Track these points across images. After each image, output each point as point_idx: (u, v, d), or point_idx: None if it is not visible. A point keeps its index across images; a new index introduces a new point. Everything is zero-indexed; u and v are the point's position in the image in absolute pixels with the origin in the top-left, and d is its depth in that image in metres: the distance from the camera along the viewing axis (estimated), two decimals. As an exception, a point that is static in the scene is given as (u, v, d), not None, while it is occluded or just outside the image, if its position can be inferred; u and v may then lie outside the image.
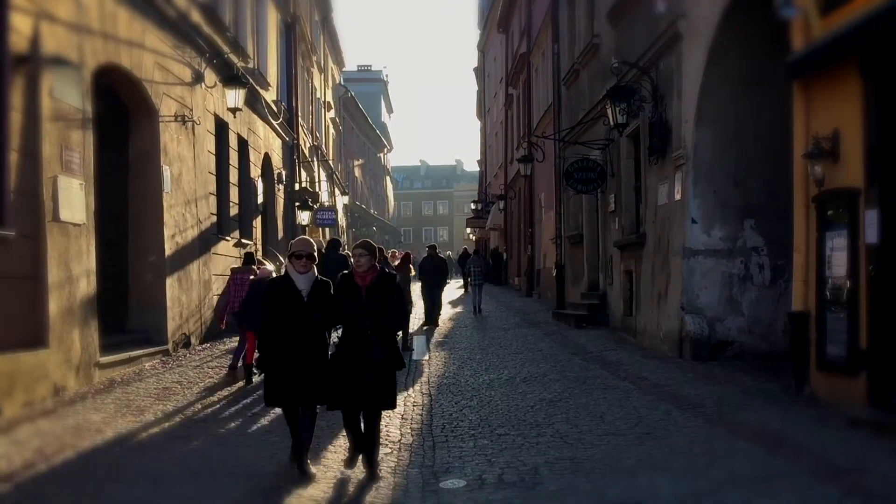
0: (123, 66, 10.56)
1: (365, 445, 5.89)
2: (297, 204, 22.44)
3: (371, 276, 5.83)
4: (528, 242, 26.56)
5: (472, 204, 45.17)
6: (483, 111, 43.32)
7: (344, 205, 37.25)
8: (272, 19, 20.53)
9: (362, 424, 5.92)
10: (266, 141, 19.26)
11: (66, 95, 8.88)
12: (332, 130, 36.75)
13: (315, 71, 29.60)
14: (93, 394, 8.72)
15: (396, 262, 15.05)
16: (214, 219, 14.33)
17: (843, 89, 7.04)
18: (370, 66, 65.95)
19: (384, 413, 6.28)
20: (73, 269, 8.92)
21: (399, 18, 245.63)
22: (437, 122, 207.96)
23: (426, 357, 12.28)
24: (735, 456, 5.95)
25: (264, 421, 7.75)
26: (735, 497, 5.05)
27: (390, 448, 6.81)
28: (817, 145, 7.25)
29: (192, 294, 12.83)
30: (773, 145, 9.62)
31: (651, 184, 12.16)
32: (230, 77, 13.98)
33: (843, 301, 7.06)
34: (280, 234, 20.74)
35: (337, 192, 34.74)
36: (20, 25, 8.02)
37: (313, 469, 5.96)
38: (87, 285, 9.22)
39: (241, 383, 9.74)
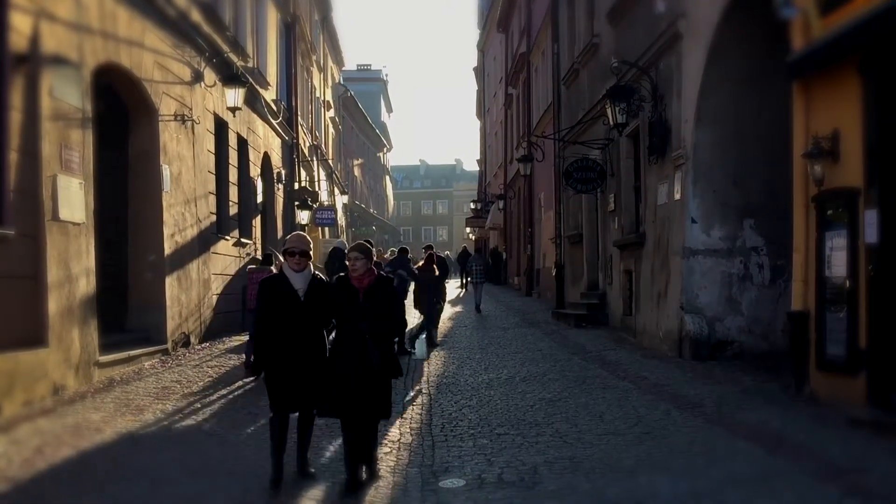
0: (123, 66, 10.56)
1: (360, 457, 5.62)
2: (296, 203, 22.44)
3: (368, 278, 5.63)
4: (527, 242, 26.56)
5: (471, 203, 45.19)
6: (483, 111, 43.32)
7: (343, 204, 37.26)
8: (272, 18, 20.53)
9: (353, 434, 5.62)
10: (265, 140, 19.26)
11: (65, 94, 8.88)
12: (331, 130, 36.75)
13: (315, 70, 29.60)
14: (92, 393, 8.72)
15: (419, 264, 14.90)
16: (214, 218, 14.33)
17: (843, 89, 7.04)
18: (370, 65, 66.04)
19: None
20: (73, 269, 8.91)
21: (399, 18, 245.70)
22: (437, 122, 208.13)
23: (427, 358, 12.28)
24: (734, 456, 5.95)
25: (264, 420, 7.72)
26: (735, 497, 5.05)
27: (390, 447, 6.81)
28: (817, 145, 7.25)
29: (191, 293, 12.83)
30: (772, 145, 9.63)
31: (651, 183, 12.16)
32: (230, 76, 13.98)
33: (842, 301, 7.07)
34: (279, 234, 20.74)
35: (336, 191, 34.74)
36: (20, 24, 8.02)
37: (312, 469, 5.88)
38: (86, 284, 9.22)
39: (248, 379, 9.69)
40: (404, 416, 8.01)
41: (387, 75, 68.61)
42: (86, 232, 9.28)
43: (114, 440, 6.87)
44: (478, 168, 49.71)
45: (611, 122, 12.55)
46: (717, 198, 10.43)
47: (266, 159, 19.36)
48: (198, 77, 13.34)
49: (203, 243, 13.57)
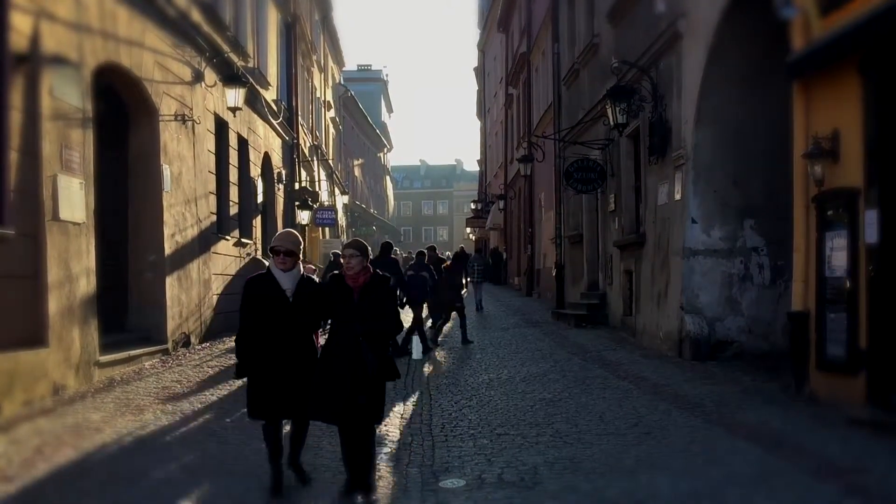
0: (123, 66, 10.56)
1: (359, 463, 5.36)
2: (296, 203, 22.45)
3: (363, 277, 5.35)
4: (527, 242, 26.56)
5: (471, 204, 45.19)
6: (483, 111, 43.32)
7: (344, 204, 37.27)
8: (272, 18, 20.53)
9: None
10: (266, 140, 19.26)
11: (65, 94, 8.88)
12: (331, 130, 36.76)
13: (315, 70, 29.60)
14: (92, 393, 8.72)
15: (446, 264, 15.05)
16: (214, 218, 14.33)
17: (843, 89, 7.05)
18: (370, 65, 66.04)
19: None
20: (73, 268, 8.91)
21: (399, 18, 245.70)
22: (437, 122, 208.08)
23: (426, 357, 12.29)
24: (734, 455, 5.95)
25: (263, 421, 7.73)
26: (734, 496, 5.05)
27: (390, 448, 6.81)
28: (817, 145, 7.25)
29: (191, 293, 12.83)
30: (772, 145, 9.63)
31: (651, 184, 12.16)
32: (230, 76, 13.98)
33: (842, 301, 7.07)
34: (279, 232, 20.73)
35: (337, 191, 34.75)
36: (20, 24, 8.02)
37: (306, 470, 5.74)
38: (86, 284, 9.22)
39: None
40: (404, 416, 8.01)
41: (387, 75, 68.66)
42: (86, 232, 9.28)
43: (114, 440, 6.87)
44: (478, 168, 49.71)
45: (611, 123, 12.56)
46: (717, 198, 10.43)
47: (266, 159, 19.36)
48: (198, 77, 13.34)
49: (203, 243, 13.57)
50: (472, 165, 67.24)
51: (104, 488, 5.60)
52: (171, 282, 11.86)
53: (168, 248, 11.78)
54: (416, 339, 12.61)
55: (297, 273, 5.51)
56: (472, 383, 9.91)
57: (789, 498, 4.91)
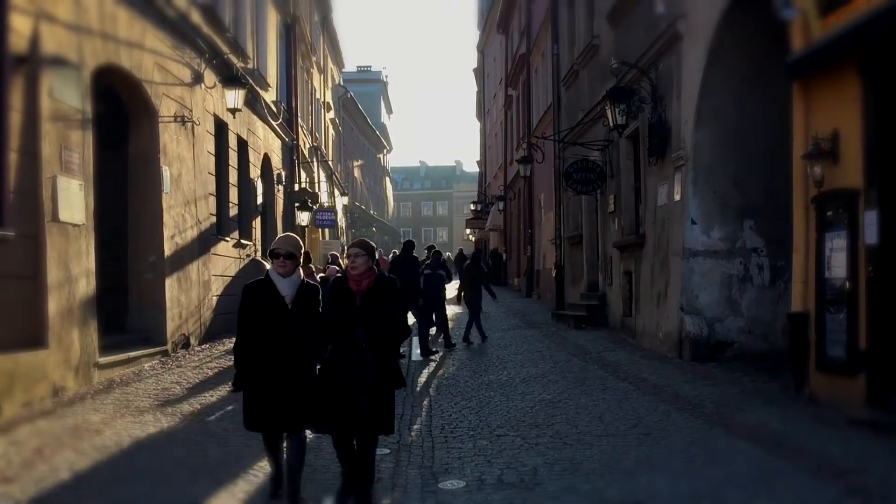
0: (123, 67, 10.56)
1: (358, 476, 5.14)
2: (296, 204, 22.45)
3: (368, 280, 5.08)
4: (527, 243, 26.55)
5: (471, 205, 45.20)
6: (483, 112, 43.33)
7: (343, 205, 37.28)
8: (272, 20, 20.54)
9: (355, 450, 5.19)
10: (265, 141, 19.26)
11: (65, 96, 8.88)
12: (331, 131, 36.77)
13: (315, 71, 29.61)
14: (92, 394, 8.71)
15: (466, 263, 15.19)
16: (214, 219, 14.33)
17: (843, 90, 7.05)
18: (370, 66, 66.05)
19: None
20: (73, 270, 8.91)
21: (399, 19, 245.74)
22: (437, 123, 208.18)
23: (425, 357, 12.29)
24: (734, 456, 5.95)
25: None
26: (734, 497, 5.05)
27: (389, 449, 6.81)
28: (817, 146, 7.25)
29: (191, 294, 12.82)
30: (772, 146, 9.63)
31: (650, 184, 12.16)
32: (230, 78, 13.98)
33: (842, 302, 7.07)
34: (279, 235, 20.75)
35: (336, 192, 34.75)
36: (20, 26, 8.02)
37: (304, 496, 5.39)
38: (86, 285, 9.21)
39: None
40: (404, 417, 8.01)
41: (387, 77, 68.75)
42: (86, 233, 9.27)
43: (114, 441, 6.87)
44: (478, 169, 49.73)
45: (611, 124, 12.55)
46: (716, 199, 10.43)
47: (266, 160, 19.37)
48: (198, 78, 13.35)
49: (203, 244, 13.57)
50: (471, 166, 67.35)
51: (104, 489, 5.59)
52: (170, 283, 11.85)
53: (168, 250, 11.78)
54: (415, 340, 12.63)
55: (296, 279, 5.28)
56: (471, 384, 9.91)
57: (789, 498, 4.91)
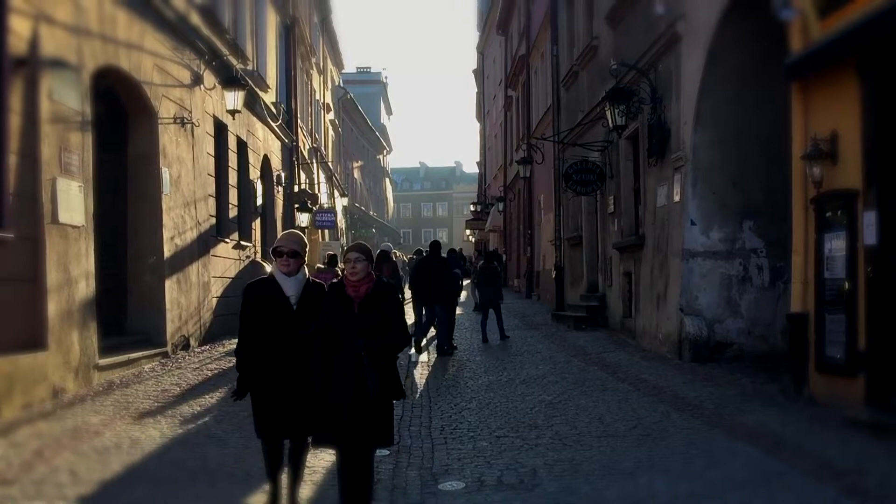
0: (122, 68, 10.56)
1: (356, 492, 4.86)
2: (296, 206, 22.45)
3: (366, 285, 4.82)
4: (527, 244, 26.55)
5: (471, 206, 45.19)
6: (482, 113, 43.34)
7: (343, 206, 37.28)
8: (271, 21, 20.54)
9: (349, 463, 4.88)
10: (265, 143, 19.27)
11: (64, 97, 8.88)
12: (331, 132, 36.77)
13: (314, 73, 29.62)
14: (92, 396, 8.71)
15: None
16: (213, 221, 14.33)
17: (842, 91, 7.05)
18: (369, 67, 66.07)
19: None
20: (72, 271, 8.91)
21: (398, 20, 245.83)
22: (437, 124, 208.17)
23: (426, 359, 12.30)
24: (734, 457, 5.95)
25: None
26: (734, 498, 5.05)
27: (389, 450, 6.80)
28: (816, 146, 7.25)
29: (191, 296, 12.82)
30: (771, 147, 9.64)
31: (650, 185, 12.16)
32: (229, 79, 13.99)
33: (841, 302, 7.07)
34: (282, 232, 20.73)
35: (336, 193, 34.74)
36: (19, 27, 8.02)
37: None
38: (85, 287, 9.21)
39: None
40: (403, 418, 8.01)
41: (386, 77, 68.73)
42: (85, 235, 9.28)
43: (113, 443, 6.87)
44: (477, 170, 49.74)
45: (610, 124, 12.56)
46: (716, 199, 10.43)
47: (266, 162, 19.37)
48: (197, 80, 13.35)
49: (203, 246, 13.57)
50: (471, 167, 67.45)
51: (104, 490, 5.59)
52: (170, 284, 11.86)
53: (167, 251, 11.78)
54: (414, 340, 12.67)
55: (301, 278, 5.07)
56: (471, 385, 9.91)
57: (789, 499, 4.91)
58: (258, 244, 18.19)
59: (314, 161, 27.84)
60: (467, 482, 5.81)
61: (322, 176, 29.73)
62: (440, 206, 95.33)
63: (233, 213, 15.95)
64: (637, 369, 10.15)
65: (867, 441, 6.03)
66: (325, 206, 28.58)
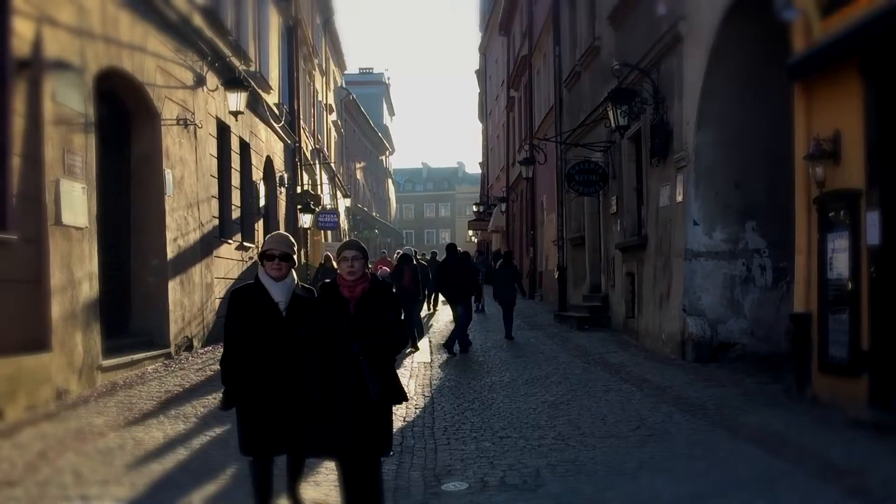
0: (125, 70, 10.58)
1: (363, 500, 4.55)
2: (298, 206, 22.47)
3: (362, 285, 4.53)
4: (529, 244, 26.56)
5: (473, 206, 45.15)
6: (485, 113, 43.35)
7: (346, 207, 37.27)
8: (274, 22, 20.57)
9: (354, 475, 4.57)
10: (268, 144, 19.29)
11: (67, 99, 8.90)
12: (333, 133, 36.79)
13: (317, 74, 29.64)
14: (95, 397, 8.73)
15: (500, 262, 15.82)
16: (216, 222, 14.35)
17: (844, 91, 7.05)
18: (372, 68, 66.00)
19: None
20: (76, 273, 8.93)
21: (400, 21, 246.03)
22: (439, 125, 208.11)
23: (429, 359, 12.30)
24: (737, 457, 5.95)
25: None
26: (737, 498, 5.05)
27: (392, 451, 6.80)
28: (818, 147, 7.25)
29: (194, 297, 12.84)
30: (774, 147, 9.63)
31: (652, 186, 12.16)
32: (232, 80, 14.01)
33: (844, 302, 7.07)
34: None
35: (339, 194, 34.76)
36: (22, 29, 8.04)
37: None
38: (89, 288, 9.23)
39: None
40: (406, 419, 8.01)
41: (389, 78, 68.67)
42: (88, 236, 9.29)
43: (117, 444, 6.88)
44: (480, 171, 49.72)
45: (612, 125, 12.57)
46: (718, 200, 10.43)
47: (268, 163, 19.39)
48: (200, 81, 13.37)
49: (205, 247, 13.59)
50: (474, 168, 67.38)
51: (106, 491, 5.60)
52: (173, 286, 11.87)
53: (170, 252, 11.80)
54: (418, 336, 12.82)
55: (290, 283, 4.75)
56: (474, 386, 9.91)
57: (792, 500, 4.91)
58: (261, 245, 18.20)
59: (317, 162, 27.86)
60: (470, 483, 5.81)
61: (325, 177, 29.75)
62: (443, 206, 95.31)
63: (236, 214, 15.97)
64: (640, 370, 10.15)
65: (870, 441, 6.03)
66: (328, 207, 28.59)
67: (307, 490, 5.37)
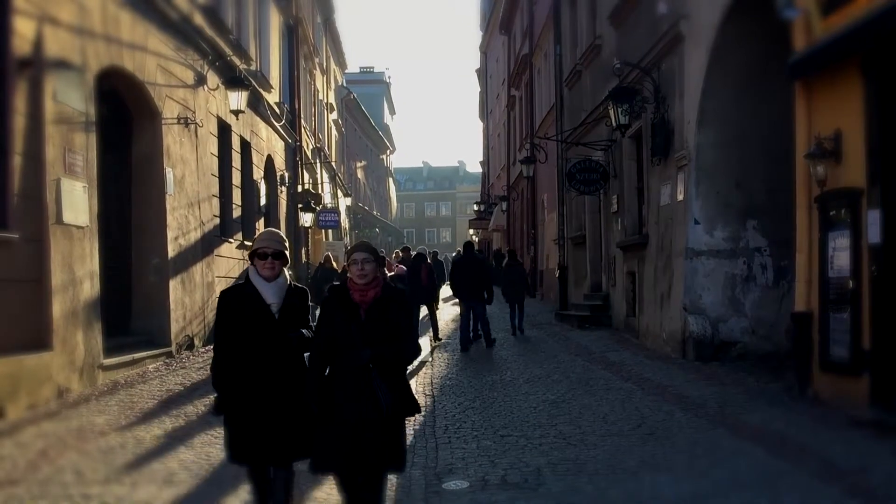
0: (126, 69, 10.58)
1: None
2: (299, 206, 22.47)
3: (374, 290, 4.25)
4: (530, 243, 26.55)
5: (474, 205, 45.15)
6: (485, 112, 43.33)
7: (347, 206, 37.26)
8: (274, 21, 20.57)
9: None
10: (269, 143, 19.29)
11: (68, 98, 8.91)
12: (334, 132, 36.79)
13: (317, 73, 29.63)
14: (96, 396, 8.74)
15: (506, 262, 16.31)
16: (217, 221, 14.36)
17: (845, 89, 7.05)
18: (372, 67, 65.99)
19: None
20: (77, 272, 8.94)
21: (401, 20, 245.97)
22: (440, 124, 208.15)
23: (430, 359, 12.30)
24: (738, 456, 5.95)
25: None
26: (737, 498, 5.05)
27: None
28: (819, 145, 7.25)
29: (195, 296, 12.85)
30: (775, 146, 9.62)
31: (653, 184, 12.16)
32: (233, 79, 14.01)
33: (845, 301, 7.06)
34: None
35: (339, 193, 34.76)
36: (23, 29, 8.05)
37: None
38: (90, 287, 9.24)
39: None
40: (407, 418, 8.01)
41: (389, 77, 68.67)
42: (89, 235, 9.30)
43: (118, 443, 6.89)
44: (481, 170, 49.72)
45: (613, 124, 12.56)
46: (719, 199, 10.42)
47: (269, 162, 19.40)
48: (201, 80, 13.37)
49: (206, 246, 13.60)
50: (474, 167, 67.33)
51: (108, 490, 5.61)
52: (174, 285, 11.88)
53: (171, 251, 11.81)
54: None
55: (283, 283, 4.52)
56: (475, 385, 9.91)
57: (793, 499, 4.91)
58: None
59: (317, 161, 27.86)
60: (471, 481, 5.81)
61: (325, 176, 29.75)
62: (443, 205, 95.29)
63: (236, 213, 15.98)
64: (641, 368, 10.15)
65: (871, 440, 6.03)
66: (329, 206, 28.59)
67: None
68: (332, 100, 35.76)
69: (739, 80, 10.01)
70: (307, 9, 26.56)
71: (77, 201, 9.00)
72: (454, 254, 35.17)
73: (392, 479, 5.91)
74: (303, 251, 23.11)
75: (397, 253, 17.84)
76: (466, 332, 13.40)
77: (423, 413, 8.28)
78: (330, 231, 29.81)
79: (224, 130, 15.07)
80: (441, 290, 17.94)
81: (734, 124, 10.25)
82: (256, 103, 17.02)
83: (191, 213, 12.75)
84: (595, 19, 16.12)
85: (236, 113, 14.33)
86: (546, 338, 14.45)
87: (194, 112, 12.96)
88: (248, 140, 16.93)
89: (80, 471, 6.03)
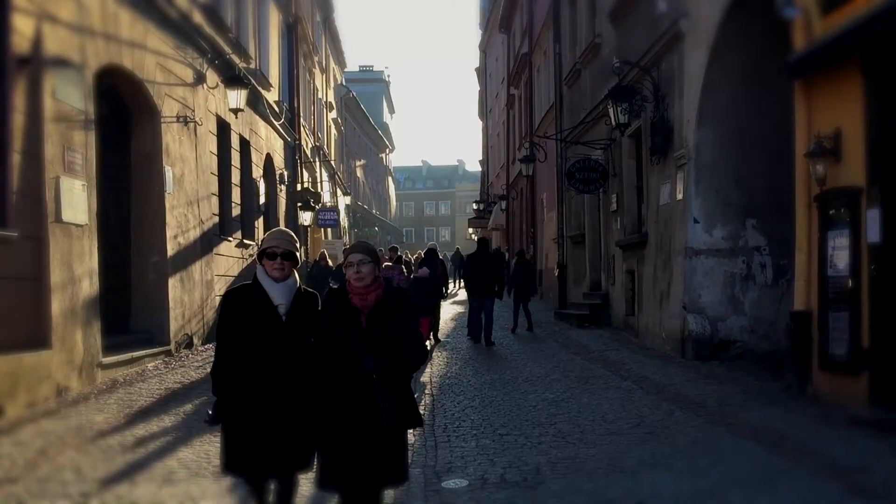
0: (125, 68, 10.58)
1: None
2: (299, 204, 22.46)
3: (375, 293, 3.98)
4: (530, 242, 26.55)
5: (473, 204, 45.14)
6: (485, 111, 43.31)
7: (346, 205, 37.24)
8: (274, 20, 20.55)
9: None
10: (268, 141, 19.28)
11: (68, 97, 8.90)
12: (333, 131, 36.77)
13: (317, 71, 29.62)
14: (95, 394, 8.73)
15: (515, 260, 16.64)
16: (216, 219, 14.36)
17: (845, 88, 7.04)
18: (372, 66, 65.98)
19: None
20: (76, 270, 8.93)
21: (401, 19, 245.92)
22: (439, 123, 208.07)
23: (429, 359, 12.31)
24: (737, 455, 5.95)
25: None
26: (737, 496, 5.05)
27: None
28: (819, 144, 7.25)
29: (194, 294, 12.84)
30: (774, 144, 9.62)
31: (653, 183, 12.15)
32: (232, 78, 14.00)
33: (845, 300, 7.06)
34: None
35: (339, 192, 34.75)
36: (22, 27, 8.04)
37: None
38: (89, 286, 9.23)
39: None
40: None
41: (389, 76, 68.63)
42: (89, 233, 9.30)
43: (117, 442, 6.88)
44: (480, 169, 49.70)
45: (613, 123, 12.55)
46: (719, 197, 10.42)
47: (268, 160, 19.39)
48: (200, 78, 13.37)
49: (206, 244, 13.60)
50: (474, 166, 67.37)
51: (108, 489, 5.60)
52: (173, 283, 11.88)
53: (170, 250, 11.80)
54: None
55: (292, 284, 4.30)
56: (474, 383, 9.91)
57: (792, 498, 4.91)
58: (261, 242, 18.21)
59: (317, 160, 27.85)
60: (471, 480, 5.81)
61: (325, 174, 29.74)
62: (443, 204, 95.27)
63: (236, 211, 15.97)
64: (640, 367, 10.15)
65: (871, 439, 6.03)
66: (328, 204, 28.59)
67: None
68: (331, 98, 35.74)
69: (739, 78, 10.00)
70: (306, 7, 26.54)
71: (76, 199, 8.99)
72: (452, 252, 35.32)
73: (391, 478, 5.91)
74: (302, 250, 23.10)
75: (419, 254, 18.43)
76: (478, 325, 13.78)
77: (422, 413, 8.29)
78: (329, 230, 29.80)
79: (223, 129, 15.06)
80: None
81: (734, 123, 10.25)
82: (256, 102, 17.01)
83: (190, 211, 12.74)
84: (595, 18, 16.12)
85: (235, 111, 14.32)
86: (545, 337, 14.45)
87: (193, 110, 12.95)
88: (248, 138, 16.92)
89: (79, 469, 6.02)
